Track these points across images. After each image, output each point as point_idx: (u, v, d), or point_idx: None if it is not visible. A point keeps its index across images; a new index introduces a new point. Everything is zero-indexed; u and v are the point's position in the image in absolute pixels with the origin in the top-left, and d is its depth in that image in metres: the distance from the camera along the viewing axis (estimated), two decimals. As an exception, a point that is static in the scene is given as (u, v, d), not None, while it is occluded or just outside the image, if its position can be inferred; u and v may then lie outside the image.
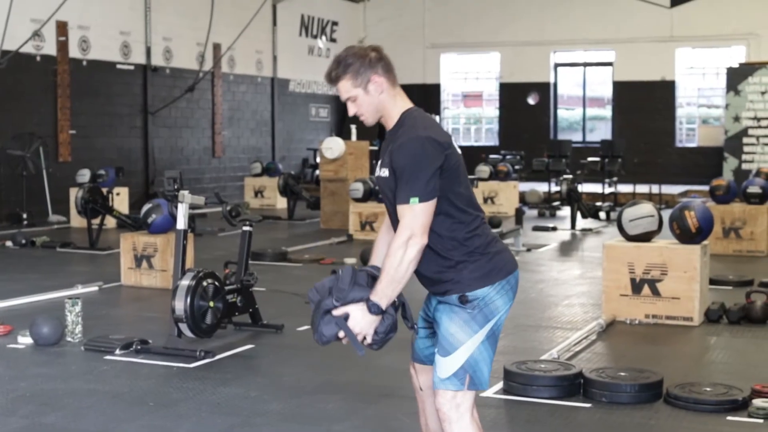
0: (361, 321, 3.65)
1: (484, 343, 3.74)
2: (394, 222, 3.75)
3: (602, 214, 17.95)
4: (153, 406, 5.95)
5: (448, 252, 3.74)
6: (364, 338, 3.70)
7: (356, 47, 3.82)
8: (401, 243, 3.59)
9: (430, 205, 3.62)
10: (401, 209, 3.63)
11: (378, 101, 3.80)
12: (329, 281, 3.73)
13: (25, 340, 7.56)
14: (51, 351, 7.38)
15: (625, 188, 21.34)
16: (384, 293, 3.63)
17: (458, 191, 3.73)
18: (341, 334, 3.68)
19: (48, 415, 5.74)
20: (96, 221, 13.81)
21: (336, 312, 3.66)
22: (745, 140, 22.38)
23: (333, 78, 3.81)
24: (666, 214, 9.03)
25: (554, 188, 20.07)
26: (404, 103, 3.82)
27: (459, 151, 3.81)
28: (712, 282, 9.45)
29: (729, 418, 5.67)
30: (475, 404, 3.81)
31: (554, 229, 16.39)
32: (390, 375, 6.63)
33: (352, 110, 3.86)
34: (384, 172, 3.75)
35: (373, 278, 3.71)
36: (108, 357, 7.16)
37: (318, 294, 3.74)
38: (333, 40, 27.32)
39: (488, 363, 3.77)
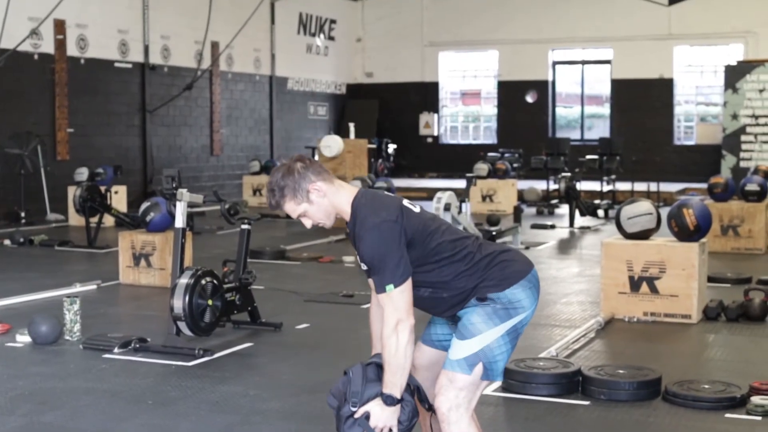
0: (381, 416, 3.72)
1: (504, 336, 3.76)
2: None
3: (600, 212, 17.96)
4: (151, 405, 5.95)
5: (462, 287, 3.80)
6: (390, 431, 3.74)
7: (281, 167, 3.86)
8: (391, 331, 3.66)
9: (406, 286, 3.70)
10: (381, 299, 3.71)
11: (325, 205, 3.84)
12: (342, 384, 3.81)
13: (23, 338, 7.56)
14: (49, 350, 7.38)
15: (623, 186, 21.33)
16: (393, 383, 3.69)
17: (438, 242, 3.80)
18: None
19: (46, 414, 5.74)
20: (94, 220, 13.81)
21: (356, 415, 3.72)
22: (743, 138, 22.38)
23: (275, 205, 3.88)
24: (664, 211, 9.03)
25: (552, 186, 20.05)
26: (349, 194, 3.85)
27: (414, 207, 3.86)
28: (710, 279, 9.45)
29: (727, 415, 5.67)
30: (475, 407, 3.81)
31: (552, 227, 16.39)
32: (389, 373, 6.62)
33: (308, 224, 3.90)
34: (364, 266, 3.79)
35: (381, 368, 3.77)
36: (106, 355, 7.16)
37: (335, 399, 3.83)
38: (331, 38, 27.32)
39: (505, 357, 3.78)
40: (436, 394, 3.76)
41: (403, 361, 3.66)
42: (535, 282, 3.85)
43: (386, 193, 3.93)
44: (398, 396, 3.70)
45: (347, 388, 3.77)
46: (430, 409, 3.94)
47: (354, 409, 3.72)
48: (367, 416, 3.72)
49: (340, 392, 3.81)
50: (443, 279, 3.79)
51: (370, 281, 3.78)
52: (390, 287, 3.66)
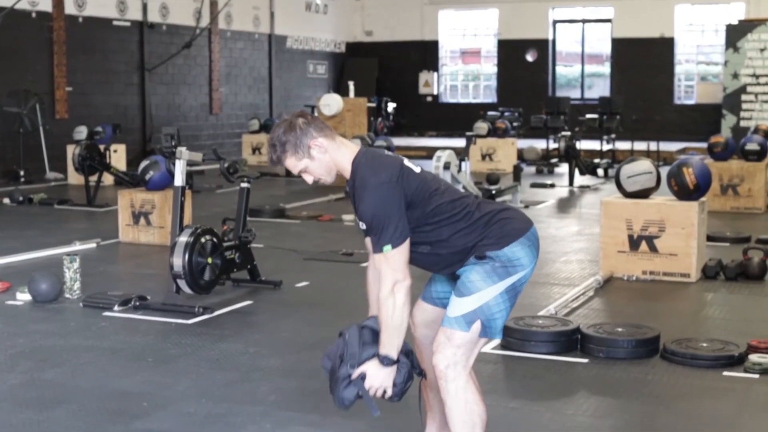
0: (377, 376, 3.73)
1: (502, 294, 3.76)
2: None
3: (600, 171, 17.94)
4: (152, 362, 5.97)
5: (461, 245, 3.79)
6: (384, 394, 3.76)
7: (282, 123, 3.84)
8: (388, 292, 3.66)
9: (403, 247, 3.70)
10: (377, 259, 3.71)
11: (327, 161, 3.83)
12: (338, 346, 3.81)
13: (23, 296, 7.58)
14: (49, 307, 7.39)
15: (623, 145, 21.30)
16: (390, 344, 3.70)
17: (438, 203, 3.80)
18: (361, 393, 3.76)
19: (47, 371, 5.76)
20: (93, 178, 13.80)
21: (354, 375, 3.74)
22: (744, 97, 22.30)
23: (276, 161, 3.86)
24: (664, 171, 9.02)
25: (552, 145, 20.02)
26: (350, 152, 3.83)
27: (415, 167, 3.85)
28: (709, 238, 9.46)
29: (725, 373, 5.69)
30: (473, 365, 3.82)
31: (552, 186, 16.39)
32: (388, 331, 6.64)
33: (309, 179, 3.89)
34: (363, 225, 3.78)
35: (376, 333, 3.78)
36: (106, 313, 7.18)
37: (330, 360, 3.83)
38: (330, -4, 27.16)
39: (504, 315, 3.78)
40: (434, 352, 3.76)
41: (399, 322, 3.67)
42: (534, 240, 3.84)
43: (387, 152, 3.92)
44: (395, 357, 3.71)
45: (344, 350, 3.77)
46: (421, 374, 3.95)
47: (351, 371, 3.73)
48: (363, 377, 3.73)
49: (334, 354, 3.81)
50: (442, 238, 3.79)
51: (367, 240, 3.77)
52: (387, 248, 3.66)
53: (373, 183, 3.69)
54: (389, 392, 3.76)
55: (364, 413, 4.95)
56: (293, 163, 3.83)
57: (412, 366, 3.85)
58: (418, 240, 3.76)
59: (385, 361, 3.70)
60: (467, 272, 3.78)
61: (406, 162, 3.84)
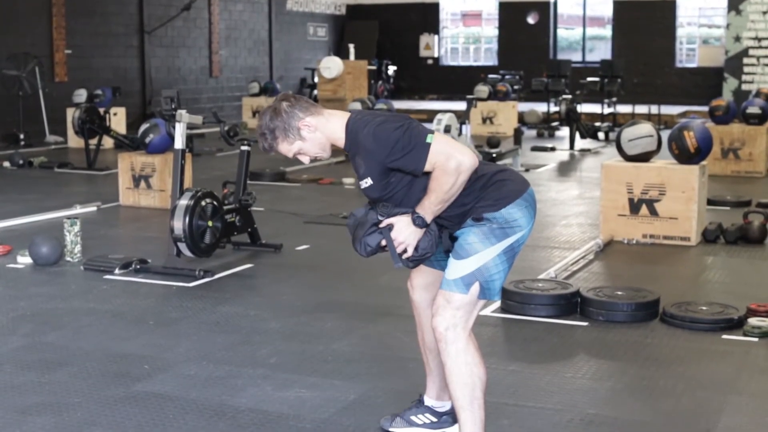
0: (405, 230, 3.71)
1: (500, 255, 3.75)
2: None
3: (601, 135, 17.92)
4: (153, 325, 5.99)
5: (459, 207, 3.77)
6: (405, 251, 3.74)
7: (267, 110, 3.82)
8: (452, 171, 3.62)
9: (441, 135, 3.68)
10: (430, 158, 3.63)
11: (319, 138, 3.81)
12: (366, 209, 3.82)
13: (24, 260, 7.59)
14: (50, 271, 7.41)
15: (624, 109, 21.25)
16: (430, 209, 3.69)
17: None
18: (383, 242, 3.74)
19: (48, 334, 5.78)
20: (93, 141, 13.79)
21: (383, 223, 3.73)
22: (746, 60, 22.24)
23: (268, 149, 3.85)
24: (665, 134, 9.01)
25: (553, 108, 19.97)
26: (340, 120, 3.80)
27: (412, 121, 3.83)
28: (710, 202, 9.46)
29: (724, 336, 5.71)
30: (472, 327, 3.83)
31: (553, 149, 16.37)
32: (388, 294, 6.66)
33: (305, 160, 3.88)
34: (367, 182, 3.77)
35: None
36: (107, 276, 7.19)
37: (354, 217, 3.85)
38: (331, -42, 27.00)
39: (502, 276, 3.78)
40: (433, 314, 3.77)
41: (451, 196, 3.66)
42: (531, 201, 3.84)
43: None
44: (428, 220, 3.70)
45: (375, 207, 3.78)
46: (447, 251, 3.91)
47: (381, 218, 3.73)
48: (390, 228, 3.73)
49: (362, 212, 3.82)
50: None
51: (411, 161, 3.68)
52: (430, 137, 3.64)
53: (371, 128, 3.68)
54: (410, 251, 3.74)
55: (364, 376, 4.98)
56: (286, 148, 3.82)
57: (440, 241, 3.85)
58: (417, 199, 3.76)
59: (418, 221, 3.69)
60: (465, 234, 3.78)
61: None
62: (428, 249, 3.76)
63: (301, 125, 3.77)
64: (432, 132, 3.68)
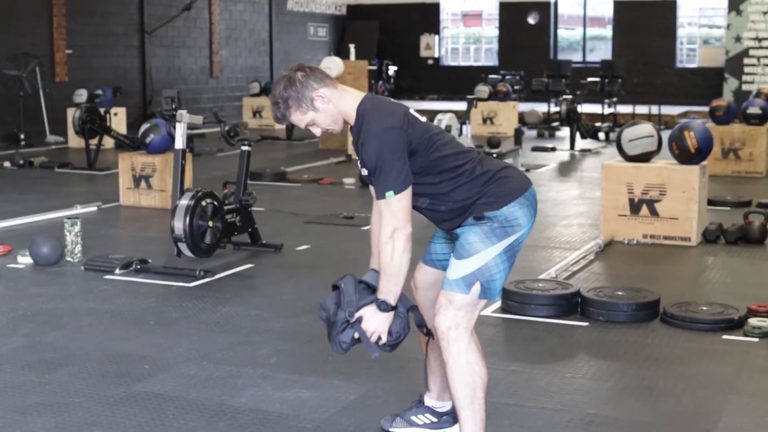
0: (373, 320, 3.73)
1: (501, 255, 3.75)
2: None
3: (601, 135, 17.92)
4: (153, 325, 5.99)
5: (460, 201, 3.77)
6: (379, 339, 3.76)
7: (282, 79, 3.81)
8: (387, 238, 3.66)
9: (405, 194, 3.68)
10: (380, 204, 3.70)
11: (331, 110, 3.80)
12: (333, 298, 3.83)
13: (24, 260, 7.59)
14: (51, 271, 7.41)
15: (624, 109, 21.25)
16: (388, 289, 3.71)
17: (441, 154, 3.78)
18: (356, 335, 3.76)
19: (48, 334, 5.78)
20: (94, 141, 13.79)
21: (351, 319, 3.75)
22: (746, 61, 22.23)
23: (281, 118, 3.84)
24: (665, 134, 9.01)
25: (554, 108, 19.96)
26: (354, 98, 3.80)
27: (420, 116, 3.84)
28: (710, 202, 9.46)
29: (725, 336, 5.71)
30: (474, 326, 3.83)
31: (553, 149, 16.37)
32: (388, 294, 6.65)
33: (317, 132, 3.87)
34: (364, 171, 3.77)
35: (373, 288, 3.81)
36: (108, 276, 7.19)
37: (325, 311, 3.84)
38: (331, -42, 26.99)
39: (503, 275, 3.78)
40: (435, 314, 3.77)
41: (397, 268, 3.67)
42: (532, 200, 3.84)
43: (392, 100, 3.90)
44: (392, 303, 3.71)
45: (340, 298, 3.79)
46: (428, 333, 3.96)
47: (349, 316, 3.74)
48: (360, 321, 3.74)
49: (330, 305, 3.82)
50: (442, 191, 3.78)
51: (371, 187, 3.77)
52: (390, 194, 3.64)
53: (377, 128, 3.67)
54: (384, 338, 3.75)
55: (364, 376, 4.98)
56: (299, 118, 3.81)
57: (419, 327, 3.88)
58: (418, 191, 3.76)
59: (383, 306, 3.71)
60: (465, 234, 3.77)
61: (412, 111, 3.83)
62: (401, 331, 3.79)
63: (315, 96, 3.76)
64: (399, 190, 3.65)
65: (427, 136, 3.75)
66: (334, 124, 3.83)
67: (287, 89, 3.76)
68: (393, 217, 3.65)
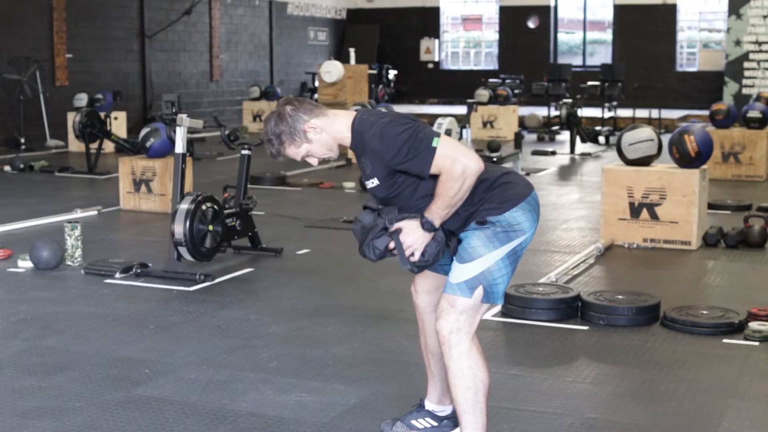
0: (413, 234, 3.70)
1: (503, 259, 3.75)
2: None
3: (601, 139, 17.93)
4: (153, 329, 5.99)
5: (464, 206, 3.76)
6: (412, 254, 3.73)
7: (271, 116, 3.81)
8: (458, 176, 3.61)
9: (448, 138, 3.68)
10: (436, 162, 3.63)
11: (325, 139, 3.80)
12: (370, 213, 3.81)
13: (25, 264, 7.59)
14: (51, 275, 7.41)
15: (624, 113, 21.27)
16: (438, 213, 3.68)
17: None
18: (392, 245, 3.73)
19: (49, 338, 5.78)
20: (94, 146, 13.80)
21: (392, 228, 3.72)
22: (746, 65, 22.24)
23: (276, 154, 3.84)
24: (665, 138, 9.01)
25: (554, 112, 20.00)
26: (346, 120, 3.80)
27: (421, 122, 3.83)
28: (710, 206, 9.46)
29: (725, 340, 5.71)
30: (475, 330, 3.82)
31: (553, 153, 16.38)
32: (389, 298, 6.66)
33: (314, 162, 3.88)
34: (374, 182, 3.77)
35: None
36: (108, 280, 7.19)
37: (361, 222, 3.81)
38: (331, -37, 27.01)
39: (505, 279, 3.78)
40: (437, 318, 3.77)
41: (458, 201, 3.66)
42: (535, 204, 3.84)
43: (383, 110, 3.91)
44: (437, 225, 3.69)
45: (380, 212, 3.77)
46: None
47: (389, 224, 3.72)
48: (399, 232, 3.72)
49: (368, 217, 3.81)
50: None
51: (416, 165, 3.68)
52: (436, 141, 3.63)
53: (377, 129, 3.67)
54: (416, 256, 3.73)
55: (365, 380, 4.98)
56: (294, 152, 3.82)
57: (448, 248, 3.84)
58: (418, 197, 3.76)
59: (426, 225, 3.68)
60: (468, 238, 3.78)
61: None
62: (435, 254, 3.75)
63: (307, 128, 3.77)
64: (438, 135, 3.67)
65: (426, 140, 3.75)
66: (329, 151, 3.84)
67: (278, 125, 3.77)
68: (454, 158, 3.61)
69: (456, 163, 3.61)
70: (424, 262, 3.76)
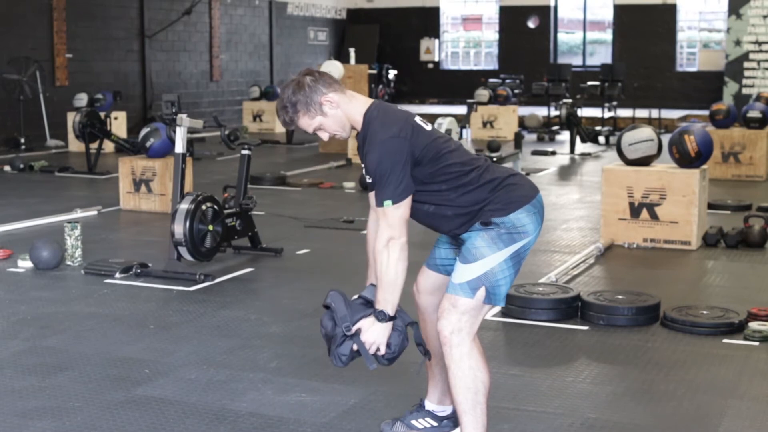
0: (372, 331, 3.72)
1: (507, 261, 3.75)
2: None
3: (601, 139, 17.93)
4: (153, 329, 5.99)
5: (467, 208, 3.77)
6: (377, 351, 3.75)
7: (290, 83, 3.80)
8: (382, 247, 3.66)
9: (404, 204, 3.68)
10: (379, 212, 3.69)
11: (340, 116, 3.80)
12: (328, 315, 3.80)
13: (25, 264, 7.59)
14: (51, 275, 7.41)
15: (624, 113, 21.27)
16: (385, 299, 3.70)
17: (448, 162, 3.78)
18: (355, 347, 3.75)
19: (49, 338, 5.78)
20: (94, 146, 13.80)
21: (350, 332, 3.73)
22: (746, 64, 22.23)
23: (289, 122, 3.82)
24: (665, 138, 9.01)
25: (554, 112, 20.00)
26: (362, 104, 3.80)
27: (426, 124, 3.84)
28: (710, 206, 9.46)
29: (725, 340, 5.71)
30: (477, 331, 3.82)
31: (553, 153, 16.38)
32: (389, 298, 6.65)
33: (325, 136, 3.87)
34: (368, 179, 3.77)
35: (369, 303, 3.79)
36: (108, 280, 7.19)
37: (324, 329, 3.82)
38: (331, -38, 27.00)
39: (508, 281, 3.78)
40: (438, 318, 3.76)
41: (393, 277, 3.66)
42: (539, 207, 3.84)
43: (399, 107, 3.90)
44: (390, 313, 3.70)
45: (333, 317, 3.77)
46: (426, 353, 3.94)
47: (346, 330, 3.72)
48: (358, 333, 3.73)
49: (327, 321, 3.80)
50: (449, 198, 3.78)
51: (371, 195, 3.77)
52: (388, 203, 3.64)
53: (381, 136, 3.67)
54: (382, 350, 3.74)
55: (365, 380, 4.97)
56: (307, 122, 3.81)
57: (418, 345, 3.87)
58: (424, 199, 3.76)
59: (380, 317, 3.70)
60: (472, 239, 3.77)
61: (418, 119, 3.83)
62: (399, 344, 3.77)
63: (324, 100, 3.76)
64: (401, 200, 3.65)
65: (432, 145, 3.75)
66: (341, 129, 3.83)
67: (296, 93, 3.76)
68: (389, 227, 3.65)
69: (385, 231, 3.65)
70: (391, 354, 3.77)
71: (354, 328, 3.73)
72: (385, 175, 3.64)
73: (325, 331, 3.82)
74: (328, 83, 3.77)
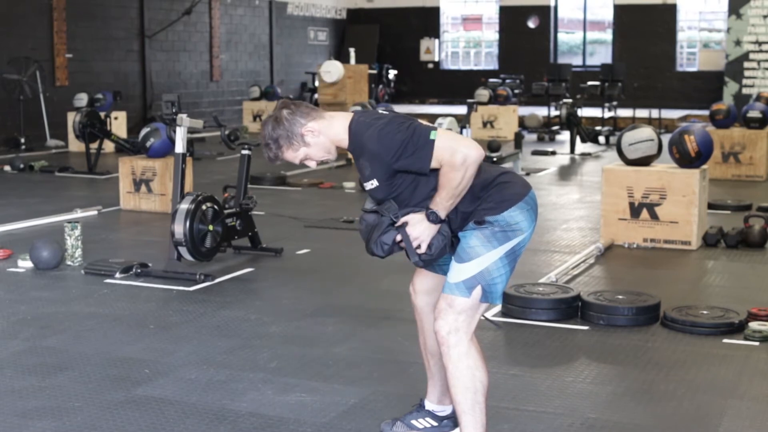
0: (419, 226, 3.71)
1: (502, 259, 3.75)
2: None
3: (601, 139, 17.93)
4: (153, 329, 5.99)
5: (462, 206, 3.77)
6: (419, 247, 3.74)
7: (268, 120, 3.82)
8: (459, 165, 3.62)
9: (444, 130, 3.68)
10: (436, 155, 3.64)
11: (323, 142, 3.81)
12: (368, 214, 3.82)
13: (25, 264, 7.59)
14: (51, 275, 7.41)
15: (624, 113, 21.27)
16: (442, 204, 3.68)
17: None
18: (398, 238, 3.74)
19: (49, 338, 5.78)
20: (94, 146, 13.80)
21: (398, 222, 3.73)
22: (746, 64, 22.24)
23: (274, 159, 3.85)
24: (665, 138, 9.01)
25: (554, 112, 20.00)
26: (343, 122, 3.80)
27: (420, 121, 3.83)
28: (710, 206, 9.45)
29: (725, 340, 5.71)
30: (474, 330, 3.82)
31: (553, 153, 16.38)
32: (389, 298, 6.66)
33: (312, 164, 3.89)
34: (373, 184, 3.77)
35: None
36: (108, 280, 7.19)
37: (366, 221, 3.82)
38: (331, -38, 27.00)
39: (504, 279, 3.78)
40: (435, 318, 3.77)
41: (461, 191, 3.66)
42: (532, 204, 3.84)
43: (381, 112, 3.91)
44: (442, 216, 3.70)
45: (381, 209, 3.77)
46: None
47: (395, 219, 3.73)
48: (405, 225, 3.73)
49: (371, 217, 3.81)
50: None
51: (417, 161, 3.69)
52: (433, 134, 3.64)
53: (375, 130, 3.68)
54: (423, 247, 3.74)
55: (365, 380, 4.98)
56: (292, 155, 3.83)
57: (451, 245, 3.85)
58: (418, 199, 3.76)
59: (432, 217, 3.69)
60: (467, 238, 3.78)
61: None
62: (441, 248, 3.76)
63: (304, 131, 3.78)
64: (435, 128, 3.69)
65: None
66: (327, 154, 3.85)
67: (275, 129, 3.78)
68: (453, 148, 3.62)
69: (456, 154, 3.62)
70: (429, 255, 3.77)
71: (402, 219, 3.73)
72: (407, 136, 3.65)
73: (366, 223, 3.82)
74: (305, 113, 3.79)
